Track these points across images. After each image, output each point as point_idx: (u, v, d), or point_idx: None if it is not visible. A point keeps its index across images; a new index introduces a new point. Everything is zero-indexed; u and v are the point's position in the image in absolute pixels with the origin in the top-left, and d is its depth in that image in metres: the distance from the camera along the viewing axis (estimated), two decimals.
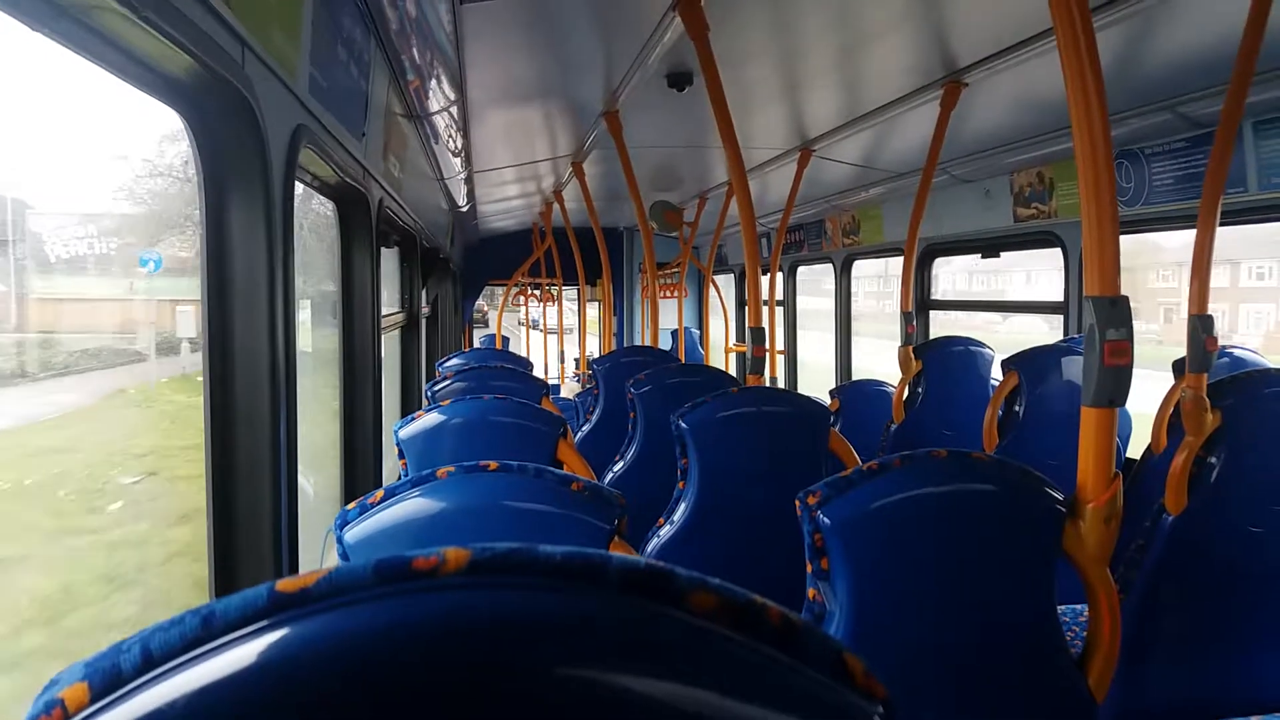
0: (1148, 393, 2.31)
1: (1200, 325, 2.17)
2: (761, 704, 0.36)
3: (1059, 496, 1.51)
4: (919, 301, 4.99)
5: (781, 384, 7.13)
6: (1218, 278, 3.65)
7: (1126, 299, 1.54)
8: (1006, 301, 4.69)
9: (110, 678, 0.34)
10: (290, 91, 1.71)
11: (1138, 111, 3.03)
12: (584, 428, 3.68)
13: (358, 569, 0.36)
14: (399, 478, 1.73)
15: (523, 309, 12.04)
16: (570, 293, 10.48)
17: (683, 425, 2.29)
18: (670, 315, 8.98)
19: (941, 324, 5.24)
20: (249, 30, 1.40)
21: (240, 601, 0.35)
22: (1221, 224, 2.22)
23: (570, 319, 10.58)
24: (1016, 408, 3.02)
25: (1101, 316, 1.53)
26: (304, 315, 2.98)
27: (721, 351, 8.93)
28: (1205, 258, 2.19)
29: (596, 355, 6.29)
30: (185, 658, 0.34)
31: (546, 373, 10.28)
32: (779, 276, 6.50)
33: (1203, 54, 2.55)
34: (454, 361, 3.92)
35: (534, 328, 11.32)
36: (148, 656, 0.34)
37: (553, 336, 10.84)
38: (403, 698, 0.33)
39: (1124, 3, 2.15)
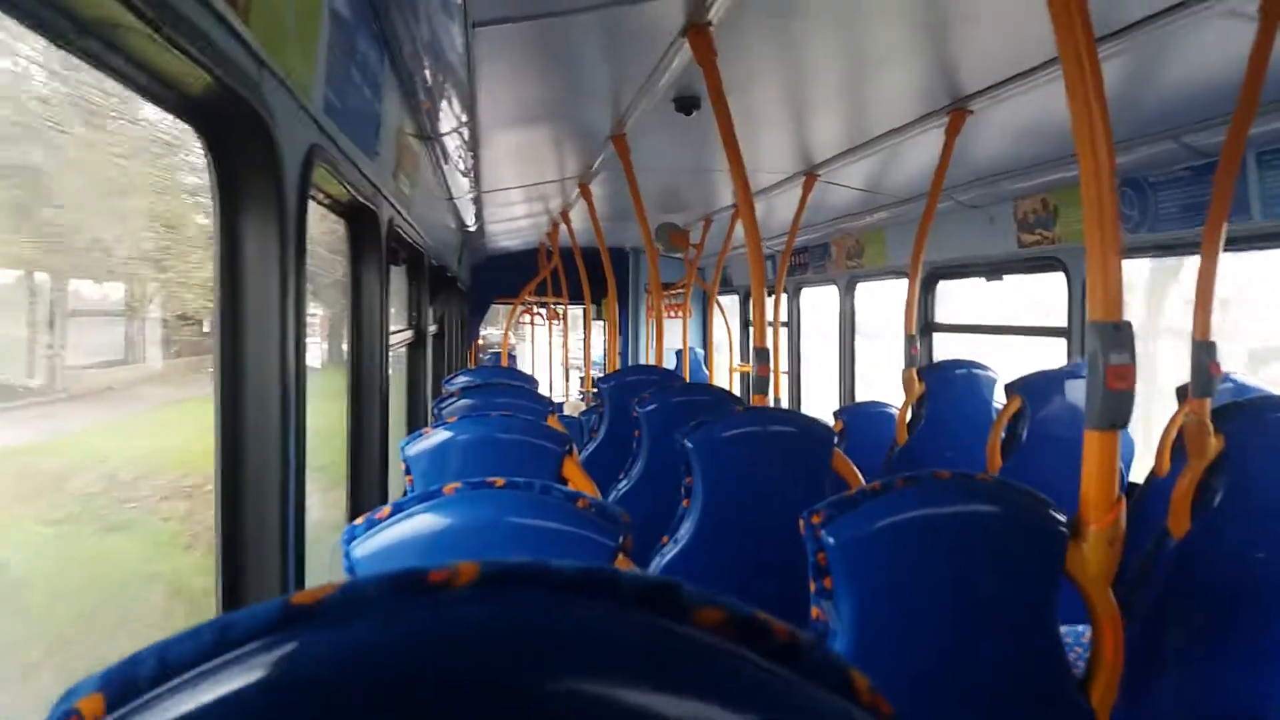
0: None
1: (1204, 351, 2.18)
2: (768, 719, 0.36)
3: (1062, 518, 1.51)
4: (923, 324, 5.00)
5: (785, 404, 7.12)
6: None
7: (1129, 324, 1.55)
8: (1010, 326, 4.69)
9: (126, 689, 0.34)
10: (305, 111, 1.73)
11: (1142, 140, 3.05)
12: (589, 445, 3.68)
13: (372, 581, 0.36)
14: (404, 494, 1.74)
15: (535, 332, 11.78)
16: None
17: (688, 444, 2.30)
18: (675, 335, 8.99)
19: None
20: (266, 50, 1.42)
21: (255, 614, 0.35)
22: (1225, 251, 2.23)
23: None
24: (1020, 431, 3.02)
25: (1105, 341, 1.54)
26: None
27: (726, 371, 8.92)
28: (1209, 285, 2.19)
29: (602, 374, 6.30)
30: (201, 669, 0.34)
31: (552, 391, 10.28)
32: (783, 298, 6.53)
33: (1207, 85, 2.57)
34: (461, 379, 3.93)
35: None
36: (164, 668, 0.34)
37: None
38: (417, 709, 0.33)
39: (1129, 33, 2.16)
